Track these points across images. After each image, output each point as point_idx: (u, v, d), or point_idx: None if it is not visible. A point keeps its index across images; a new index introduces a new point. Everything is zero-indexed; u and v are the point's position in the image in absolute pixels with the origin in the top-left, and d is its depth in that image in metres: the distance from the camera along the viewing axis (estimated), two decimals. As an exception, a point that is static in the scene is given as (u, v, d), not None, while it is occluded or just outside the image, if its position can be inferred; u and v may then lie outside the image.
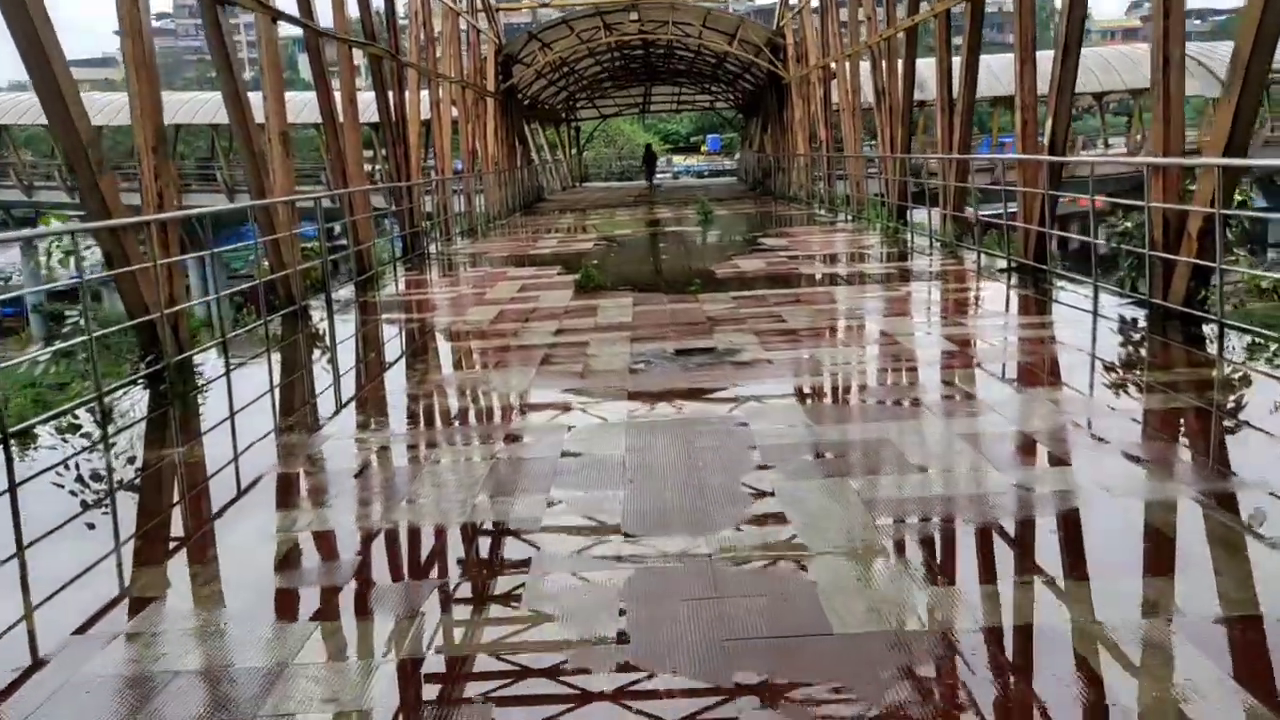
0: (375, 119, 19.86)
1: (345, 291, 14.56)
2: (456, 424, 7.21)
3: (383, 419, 7.39)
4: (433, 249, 20.44)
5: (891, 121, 19.20)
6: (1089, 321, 9.44)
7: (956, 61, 15.38)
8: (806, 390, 7.64)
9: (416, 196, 19.57)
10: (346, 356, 10.48)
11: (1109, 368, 8.04)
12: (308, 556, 4.86)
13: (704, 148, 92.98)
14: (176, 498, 6.02)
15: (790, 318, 10.61)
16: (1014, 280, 12.14)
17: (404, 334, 11.39)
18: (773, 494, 5.18)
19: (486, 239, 23.65)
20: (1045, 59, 11.89)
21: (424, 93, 24.20)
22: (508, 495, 5.39)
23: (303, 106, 28.15)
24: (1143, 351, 8.54)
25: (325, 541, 5.01)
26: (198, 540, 5.25)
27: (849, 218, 22.86)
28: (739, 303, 11.63)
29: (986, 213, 14.92)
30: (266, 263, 12.69)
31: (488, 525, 5.01)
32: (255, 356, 10.20)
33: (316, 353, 10.81)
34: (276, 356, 10.37)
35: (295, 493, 5.86)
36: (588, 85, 52.24)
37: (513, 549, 4.74)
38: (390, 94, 18.76)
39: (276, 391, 8.77)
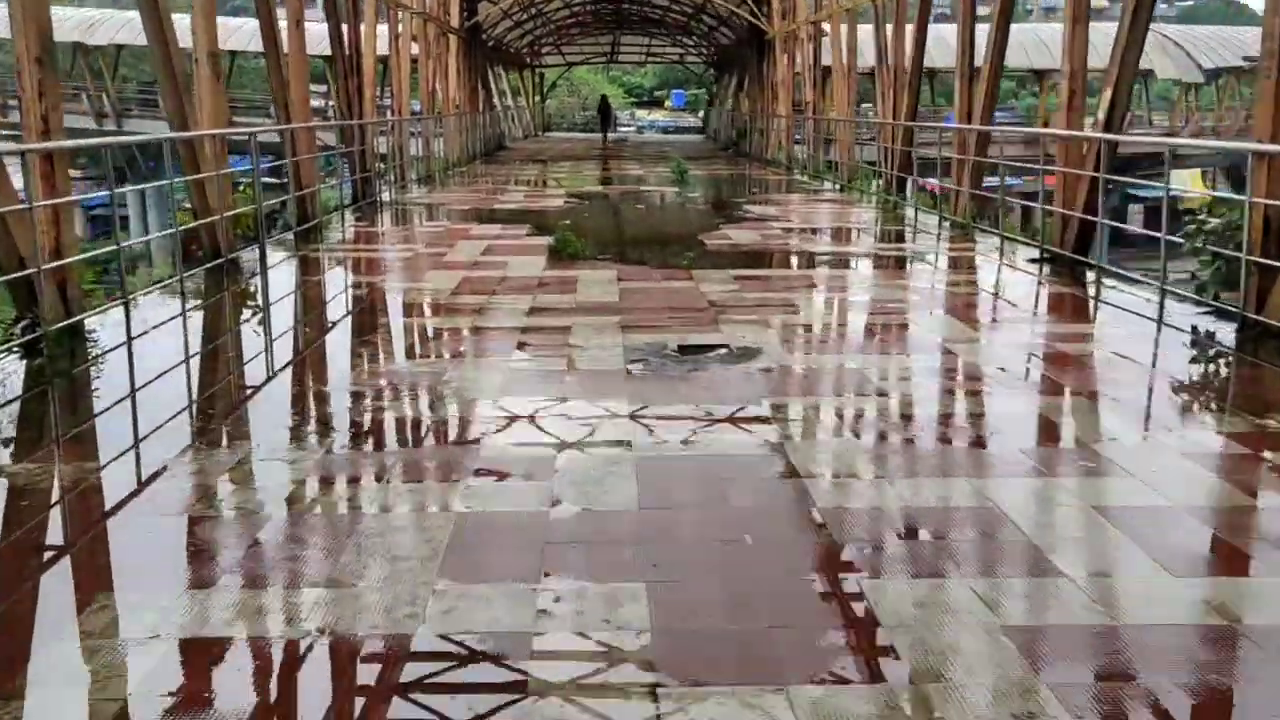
0: (328, 52, 17.82)
1: (284, 242, 12.70)
2: (408, 447, 5.51)
3: (308, 437, 5.68)
4: (386, 196, 18.53)
5: (895, 86, 17.57)
6: (1164, 334, 7.96)
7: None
8: (863, 421, 5.99)
9: (370, 137, 17.64)
10: (275, 329, 8.70)
11: (1195, 392, 6.56)
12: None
13: (668, 103, 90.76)
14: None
15: (806, 308, 9.03)
16: (1045, 272, 10.64)
17: (347, 303, 9.63)
18: (864, 602, 3.60)
19: (445, 188, 21.74)
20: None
21: (382, 27, 22.15)
22: (478, 582, 3.76)
23: (254, 34, 25.83)
24: (1234, 373, 7.08)
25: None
26: None
27: (837, 186, 21.28)
28: (742, 285, 10.01)
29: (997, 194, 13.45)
30: (190, 207, 10.82)
31: (451, 647, 3.37)
32: (159, 325, 8.39)
33: (242, 316, 9.03)
34: (194, 323, 8.57)
35: (164, 567, 4.17)
36: (555, 30, 49.97)
37: (491, 697, 3.11)
38: (344, 22, 16.75)
39: (185, 369, 7.02)
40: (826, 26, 23.01)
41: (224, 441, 5.47)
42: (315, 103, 39.80)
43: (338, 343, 8.01)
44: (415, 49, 24.28)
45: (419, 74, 25.30)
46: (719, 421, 5.70)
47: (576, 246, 11.55)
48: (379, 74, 24.66)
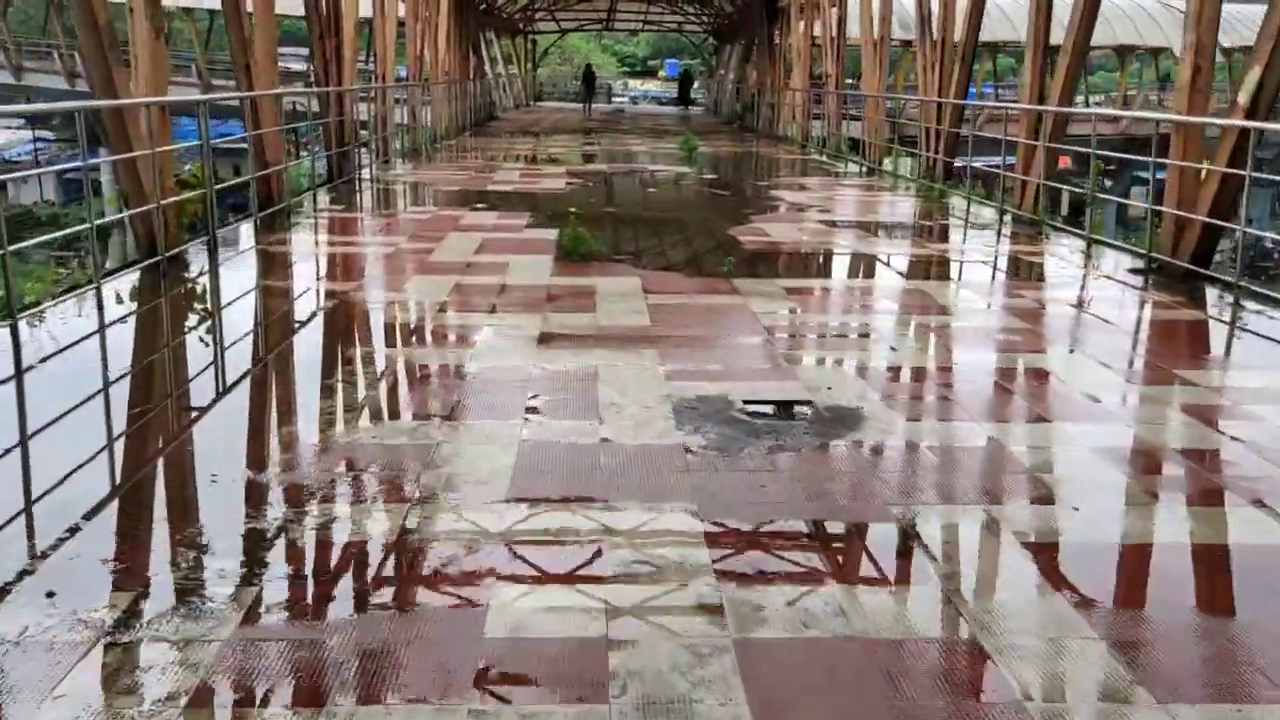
0: (300, 11, 15.74)
1: (241, 234, 10.72)
2: (367, 618, 3.61)
3: (200, 600, 3.78)
4: (367, 173, 16.51)
5: (943, 59, 15.62)
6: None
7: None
8: (1068, 562, 4.01)
9: (349, 106, 15.60)
10: (196, 364, 6.75)
11: None
12: None
13: (661, 73, 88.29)
14: None
15: (892, 338, 7.13)
16: (1153, 286, 8.79)
17: (305, 324, 7.67)
18: None
19: (433, 163, 19.71)
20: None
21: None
22: None
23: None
24: None
25: None
26: None
27: (864, 169, 19.35)
28: (801, 302, 8.15)
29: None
30: (121, 190, 8.84)
31: None
32: (60, 350, 6.45)
33: (160, 341, 7.08)
34: (86, 355, 6.62)
35: None
36: (550, -6, 47.67)
37: None
38: (321, -27, 14.69)
39: (95, 406, 5.10)
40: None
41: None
42: (297, 66, 37.72)
43: (286, 392, 6.05)
44: (402, 10, 22.16)
45: (406, 37, 23.19)
46: (838, 554, 3.82)
47: (590, 245, 9.62)
48: (363, 38, 22.59)
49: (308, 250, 10.27)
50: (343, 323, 7.43)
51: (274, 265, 9.49)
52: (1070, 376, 6.17)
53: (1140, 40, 39.94)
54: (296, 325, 7.41)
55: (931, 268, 9.98)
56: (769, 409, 5.45)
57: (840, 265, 10.02)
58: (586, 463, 4.64)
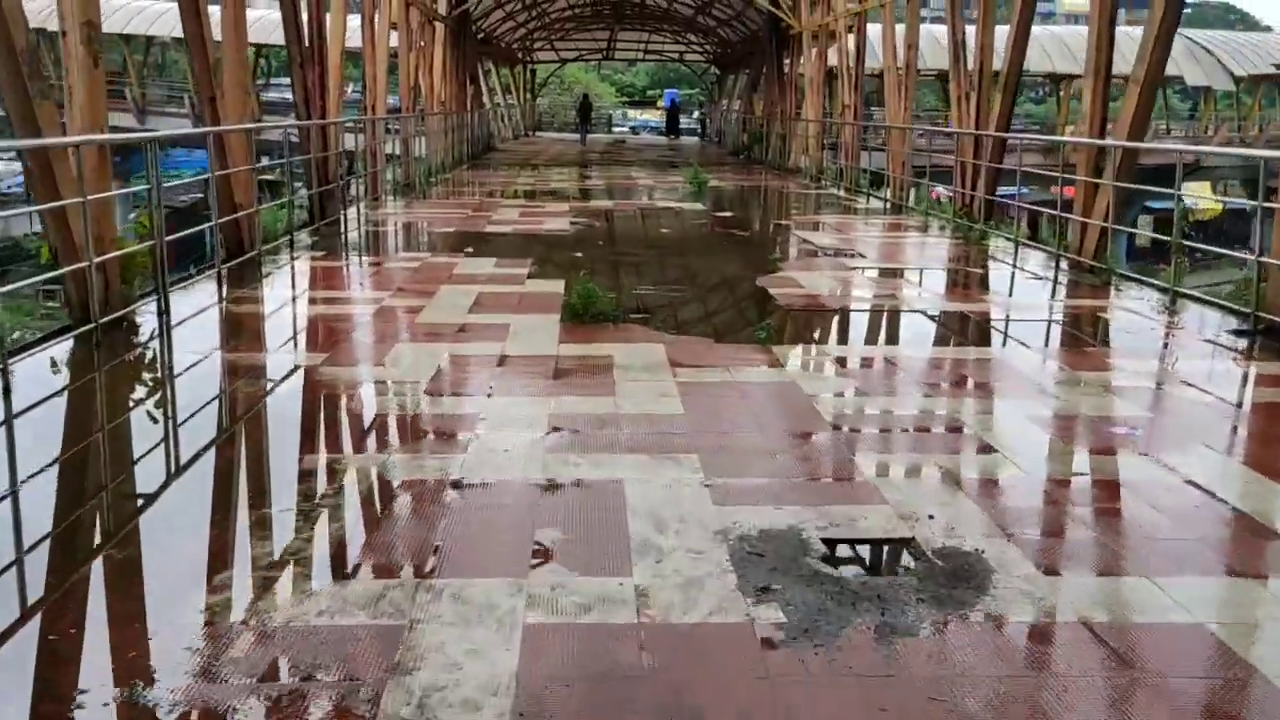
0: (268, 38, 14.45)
1: (201, 291, 9.35)
2: None
3: None
4: (354, 212, 15.17)
5: (981, 87, 14.34)
6: None
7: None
8: None
9: (334, 141, 14.30)
10: (117, 469, 5.35)
11: None
12: None
13: (660, 102, 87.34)
14: None
15: (990, 433, 5.73)
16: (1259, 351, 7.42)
17: (265, 414, 6.27)
18: None
19: (427, 199, 18.39)
20: None
21: (354, 19, 18.88)
22: None
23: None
24: None
25: None
26: None
27: (887, 205, 18.04)
28: (860, 379, 6.77)
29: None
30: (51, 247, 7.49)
31: None
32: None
33: (84, 435, 5.67)
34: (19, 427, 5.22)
35: None
36: (549, 24, 46.66)
37: None
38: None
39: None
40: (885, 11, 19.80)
41: None
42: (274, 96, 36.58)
43: (207, 532, 4.59)
44: (395, 39, 20.96)
45: (399, 66, 21.98)
46: None
47: (602, 304, 8.26)
48: (352, 67, 21.40)
49: (277, 310, 8.89)
50: (305, 413, 6.04)
51: (234, 330, 8.11)
52: (1232, 485, 4.77)
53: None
54: (243, 418, 6.01)
55: (1003, 329, 8.60)
56: (859, 552, 4.07)
57: (894, 326, 8.62)
58: (621, 663, 3.24)
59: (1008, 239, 13.50)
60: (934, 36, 30.02)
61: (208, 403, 6.28)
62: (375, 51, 18.72)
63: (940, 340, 8.14)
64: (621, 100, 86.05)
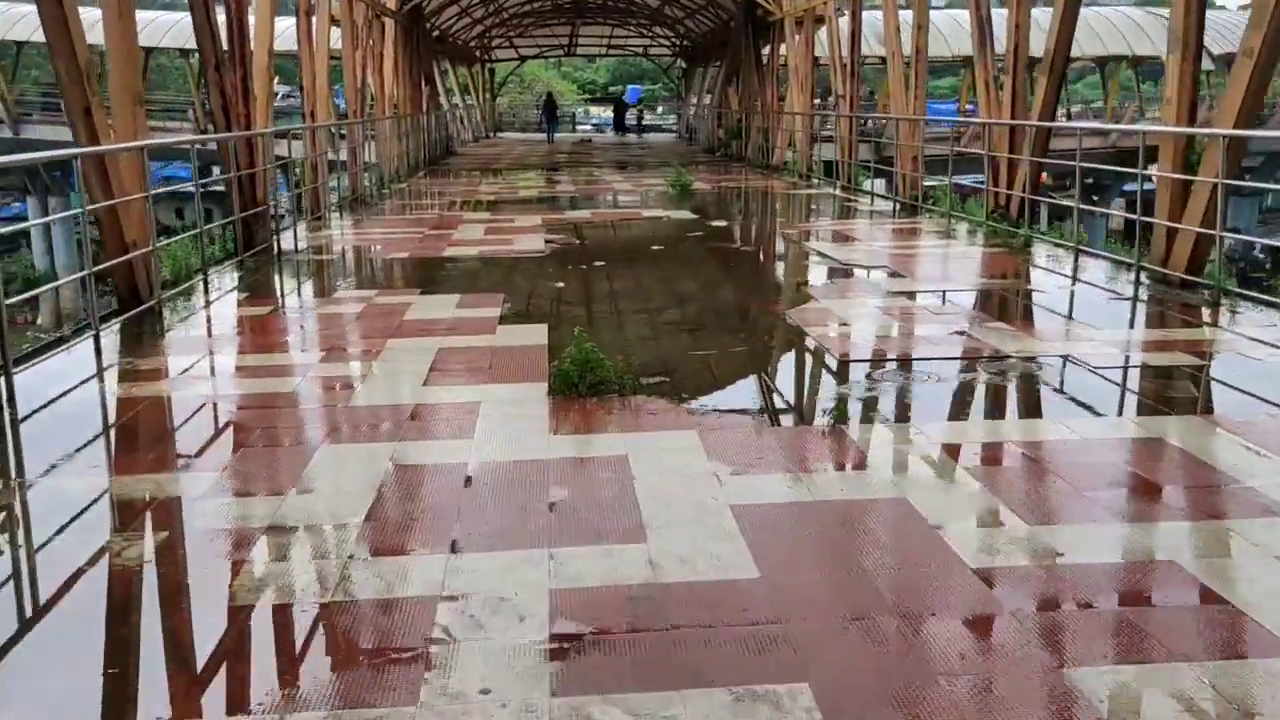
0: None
1: (65, 366, 7.15)
2: None
3: None
4: (291, 236, 12.95)
5: (1015, 72, 12.33)
6: None
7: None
8: None
9: (261, 155, 12.07)
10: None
11: None
12: None
13: (624, 98, 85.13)
14: None
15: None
16: None
17: (129, 590, 4.13)
18: None
19: (378, 216, 16.18)
20: None
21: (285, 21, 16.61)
22: None
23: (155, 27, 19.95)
24: None
25: None
26: None
27: (896, 206, 16.04)
28: (992, 480, 4.67)
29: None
30: None
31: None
32: None
33: None
34: None
35: None
36: (508, 20, 44.39)
37: None
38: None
39: None
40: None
41: None
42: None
43: None
44: (338, 39, 18.71)
45: (344, 67, 19.73)
46: None
47: (604, 369, 6.15)
48: (287, 70, 19.16)
49: (173, 386, 6.69)
50: (159, 601, 3.88)
51: (97, 424, 5.92)
52: None
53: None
54: (59, 599, 3.86)
55: (1145, 390, 6.56)
56: None
57: (999, 387, 6.46)
58: None
59: (1059, 245, 11.52)
60: (935, 25, 28.03)
61: (23, 580, 4.11)
62: (314, 51, 16.48)
63: (1087, 405, 6.07)
64: (583, 97, 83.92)
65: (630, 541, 4.07)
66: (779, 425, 5.59)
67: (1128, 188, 32.91)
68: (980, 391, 6.21)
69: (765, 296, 9.31)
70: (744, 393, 6.36)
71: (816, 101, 24.08)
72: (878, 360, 6.87)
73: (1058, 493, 4.56)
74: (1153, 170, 9.94)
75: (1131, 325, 8.16)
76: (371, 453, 5.16)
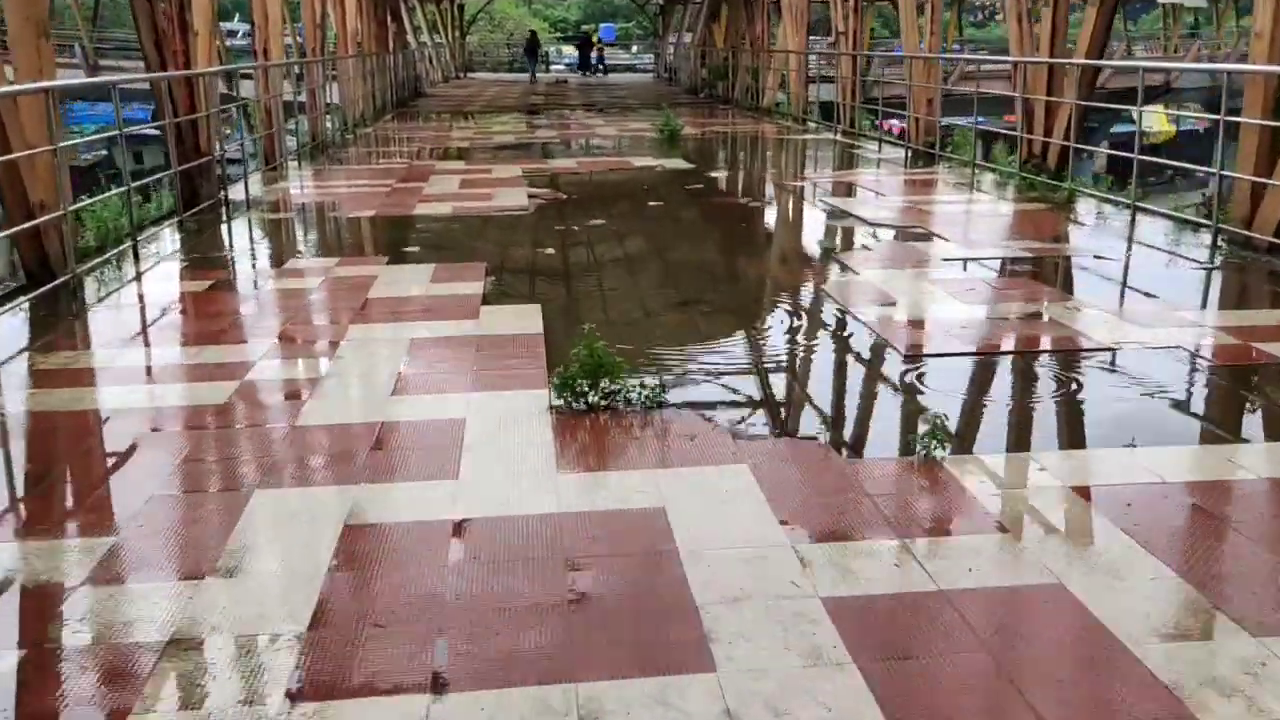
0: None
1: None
2: None
3: None
4: (244, 190, 11.48)
5: (1057, 3, 10.95)
6: None
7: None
8: None
9: (204, 98, 10.55)
10: None
11: None
12: None
13: (596, 38, 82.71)
14: None
15: None
16: None
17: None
18: None
19: (341, 165, 14.69)
20: None
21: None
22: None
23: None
24: None
25: None
26: None
27: (908, 153, 14.71)
28: (1147, 568, 3.43)
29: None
30: None
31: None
32: None
33: None
34: None
35: None
36: (478, -48, 42.21)
37: None
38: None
39: None
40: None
41: None
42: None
43: None
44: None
45: (302, 1, 18.04)
46: None
47: (617, 374, 4.85)
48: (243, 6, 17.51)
49: (60, 399, 5.30)
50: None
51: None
52: None
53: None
54: None
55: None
56: None
57: (1115, 399, 5.14)
58: None
59: (1107, 201, 10.26)
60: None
61: None
62: (267, -20, 14.81)
63: (1232, 425, 4.83)
64: (555, 36, 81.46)
65: (691, 669, 2.81)
66: (854, 456, 4.32)
67: (1116, 129, 31.58)
68: (1097, 399, 4.96)
69: (793, 267, 8.02)
70: (797, 405, 5.08)
71: (813, 39, 22.59)
72: (954, 355, 5.60)
73: (1259, 571, 3.33)
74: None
75: (1239, 306, 6.92)
76: (323, 504, 3.86)
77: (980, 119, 14.13)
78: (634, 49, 73.00)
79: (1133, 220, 9.35)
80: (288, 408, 4.91)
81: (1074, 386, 5.10)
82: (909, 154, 14.76)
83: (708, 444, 4.36)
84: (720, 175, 13.93)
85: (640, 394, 4.82)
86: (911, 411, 4.81)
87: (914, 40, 15.15)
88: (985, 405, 4.92)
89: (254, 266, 8.38)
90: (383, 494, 3.94)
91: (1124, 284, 7.25)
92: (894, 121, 20.46)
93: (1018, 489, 3.95)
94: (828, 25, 31.40)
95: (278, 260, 8.52)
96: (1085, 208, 10.17)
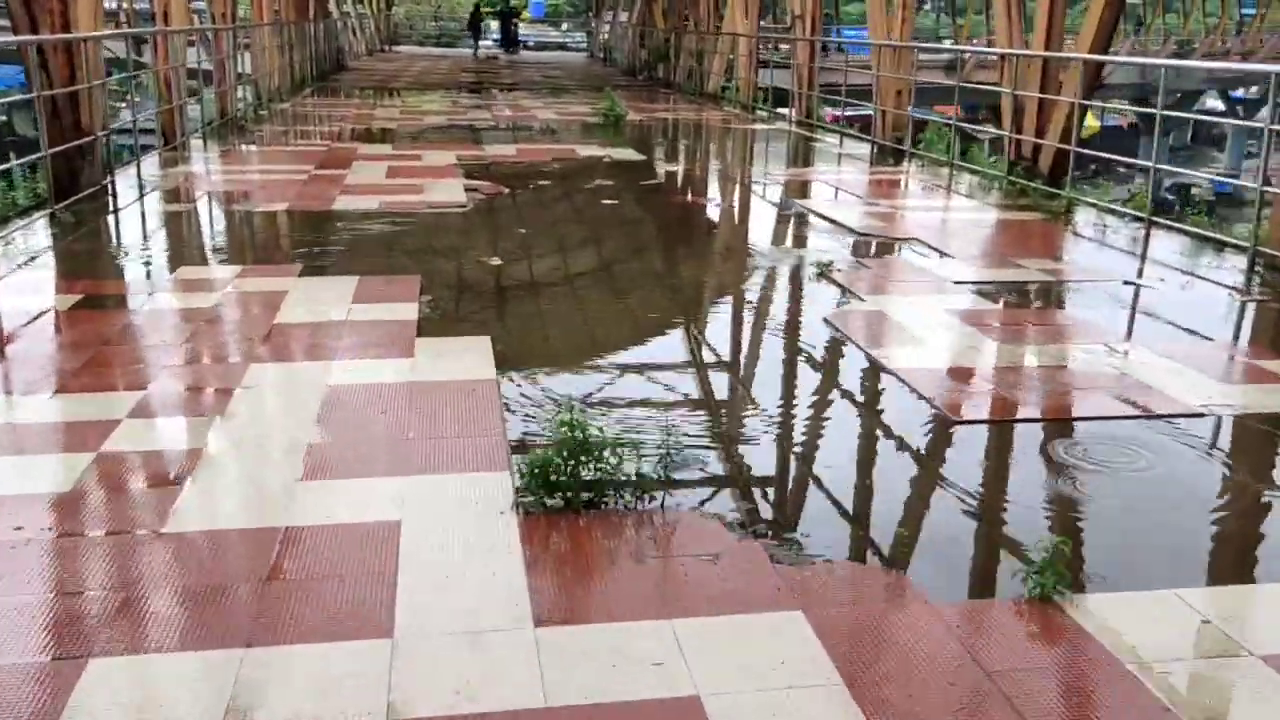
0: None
1: None
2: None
3: None
4: (136, 176, 9.97)
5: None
6: None
7: None
8: None
9: (86, 67, 9.01)
10: None
11: None
12: None
13: (525, 13, 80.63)
14: None
15: None
16: None
17: None
18: None
19: (254, 145, 13.16)
20: None
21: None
22: None
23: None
24: None
25: None
26: None
27: (874, 148, 13.67)
28: None
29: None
30: None
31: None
32: None
33: None
34: None
35: None
36: (405, -81, 40.25)
37: None
38: None
39: None
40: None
41: None
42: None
43: None
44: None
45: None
46: None
47: (602, 456, 3.64)
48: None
49: None
50: None
51: None
52: None
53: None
54: None
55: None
56: None
57: (1247, 495, 4.14)
58: None
59: (1112, 212, 9.29)
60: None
61: None
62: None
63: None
64: (486, 11, 79.33)
65: None
66: (940, 594, 3.16)
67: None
68: (1209, 487, 3.88)
69: (785, 288, 6.85)
70: (840, 499, 3.88)
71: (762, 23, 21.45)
72: (1010, 422, 4.49)
73: None
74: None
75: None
76: (187, 687, 2.59)
77: (948, 119, 13.15)
78: (564, 26, 71.34)
79: (1147, 236, 8.39)
80: (154, 502, 3.59)
81: (1182, 470, 4.02)
82: (875, 149, 13.71)
83: (737, 571, 3.18)
84: (676, 169, 12.73)
85: (636, 484, 3.62)
86: (992, 514, 3.69)
87: (882, 27, 14.09)
88: (1081, 504, 3.81)
89: (137, 275, 6.94)
90: (277, 670, 2.68)
91: (1171, 320, 6.22)
92: (830, 110, 19.50)
93: (1184, 656, 2.84)
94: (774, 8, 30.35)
95: (168, 267, 7.09)
96: (1085, 218, 9.20)
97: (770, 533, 3.49)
